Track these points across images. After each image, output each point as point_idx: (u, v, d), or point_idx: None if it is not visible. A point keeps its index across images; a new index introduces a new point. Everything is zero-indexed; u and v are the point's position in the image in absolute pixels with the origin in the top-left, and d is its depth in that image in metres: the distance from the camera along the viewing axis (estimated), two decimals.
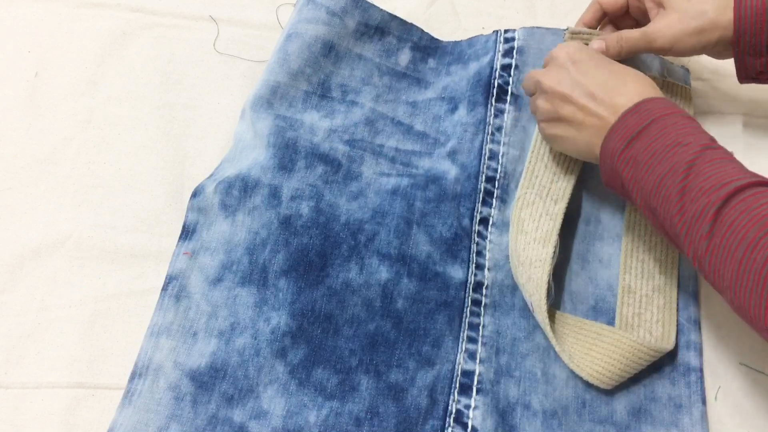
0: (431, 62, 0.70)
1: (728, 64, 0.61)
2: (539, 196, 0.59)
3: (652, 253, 0.59)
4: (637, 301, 0.57)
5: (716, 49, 0.58)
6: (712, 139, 0.48)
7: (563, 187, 0.59)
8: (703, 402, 0.55)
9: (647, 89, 0.52)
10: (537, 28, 0.67)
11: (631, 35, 0.59)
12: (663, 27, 0.58)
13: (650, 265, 0.59)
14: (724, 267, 0.43)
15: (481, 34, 0.69)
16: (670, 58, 0.67)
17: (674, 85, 0.64)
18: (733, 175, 0.44)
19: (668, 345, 0.55)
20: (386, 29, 0.69)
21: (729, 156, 0.47)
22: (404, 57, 0.69)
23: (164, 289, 0.56)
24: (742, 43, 0.56)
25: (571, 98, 0.54)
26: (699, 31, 0.56)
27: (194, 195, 0.60)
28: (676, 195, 0.46)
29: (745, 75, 0.59)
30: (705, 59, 0.66)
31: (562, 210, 0.58)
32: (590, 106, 0.52)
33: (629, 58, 0.60)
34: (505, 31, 0.67)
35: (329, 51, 0.66)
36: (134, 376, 0.53)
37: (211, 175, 0.62)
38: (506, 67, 0.65)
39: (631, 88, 0.52)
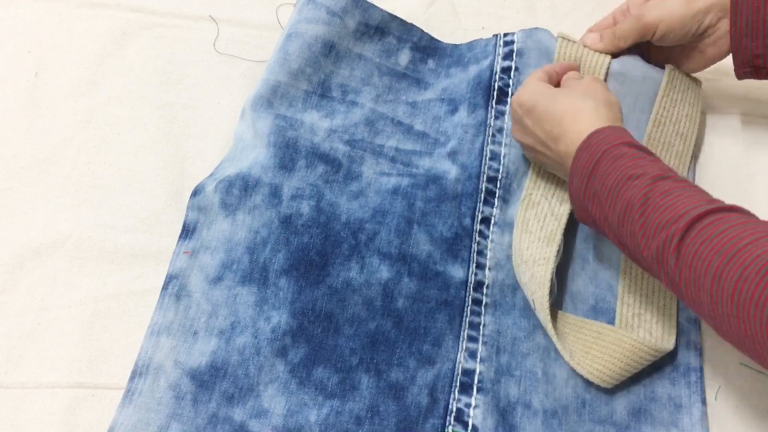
0: (431, 63, 0.70)
1: (728, 64, 0.61)
2: (545, 197, 0.59)
3: None
4: (637, 302, 0.57)
5: (711, 31, 0.58)
6: (663, 168, 0.47)
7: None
8: (703, 402, 0.55)
9: (595, 120, 0.52)
10: (535, 29, 0.67)
11: (623, 22, 0.61)
12: (651, 4, 0.59)
13: None
14: (698, 297, 0.43)
15: (481, 39, 0.69)
16: None
17: (684, 76, 0.64)
18: (687, 205, 0.44)
19: (668, 345, 0.55)
20: (386, 29, 0.69)
21: (682, 183, 0.46)
22: (404, 57, 0.69)
23: (164, 288, 0.56)
24: (740, 19, 0.55)
25: (533, 148, 0.57)
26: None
27: (194, 194, 0.60)
28: (639, 231, 0.46)
29: (742, 62, 0.58)
30: None
31: (567, 211, 0.58)
32: (548, 152, 0.55)
33: (628, 46, 0.62)
34: (505, 35, 0.67)
35: (329, 51, 0.66)
36: (135, 375, 0.53)
37: (211, 175, 0.62)
38: (506, 70, 0.65)
39: (576, 126, 0.52)
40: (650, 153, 0.49)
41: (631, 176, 0.47)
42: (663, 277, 0.46)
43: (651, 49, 0.64)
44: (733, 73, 0.60)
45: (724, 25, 0.57)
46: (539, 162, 0.59)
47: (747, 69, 0.59)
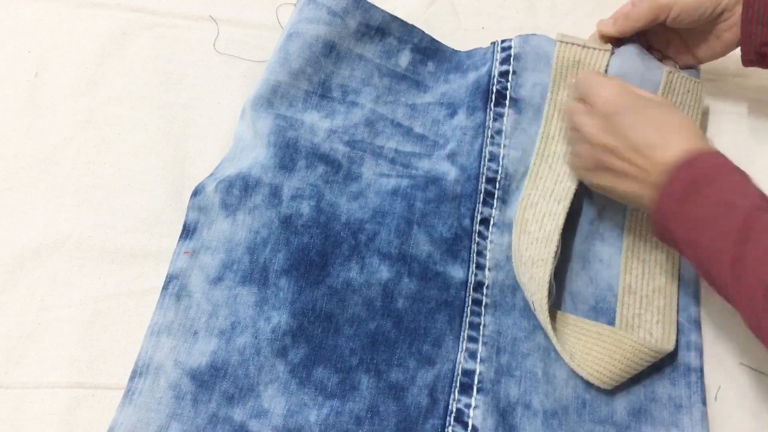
0: (430, 66, 0.70)
1: (728, 64, 0.61)
2: (543, 197, 0.59)
3: (653, 254, 0.59)
4: (638, 302, 0.57)
5: (728, 15, 0.57)
6: (763, 197, 0.45)
7: (567, 187, 0.59)
8: (703, 402, 0.55)
9: (693, 140, 0.49)
10: (533, 35, 0.67)
11: (637, 4, 0.59)
12: None
13: (651, 265, 0.59)
14: None
15: (480, 47, 0.69)
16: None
17: (686, 78, 0.64)
18: None
19: (669, 346, 0.55)
20: (387, 30, 0.69)
21: None
22: (404, 58, 0.69)
23: (165, 288, 0.56)
24: (753, 4, 0.55)
25: (616, 150, 0.51)
26: None
27: (195, 194, 0.60)
28: (730, 263, 0.43)
29: (749, 49, 0.57)
30: None
31: (565, 209, 0.58)
32: (634, 158, 0.50)
33: (642, 27, 0.60)
34: (502, 41, 0.67)
35: (330, 51, 0.66)
36: (135, 375, 0.53)
37: (212, 175, 0.62)
38: (504, 74, 0.65)
39: (677, 141, 0.48)
40: (750, 178, 0.47)
41: (731, 203, 0.44)
42: (749, 316, 0.43)
43: (668, 35, 0.63)
44: (733, 72, 0.60)
45: (738, 25, 0.57)
46: (602, 165, 0.53)
47: (753, 56, 0.58)
